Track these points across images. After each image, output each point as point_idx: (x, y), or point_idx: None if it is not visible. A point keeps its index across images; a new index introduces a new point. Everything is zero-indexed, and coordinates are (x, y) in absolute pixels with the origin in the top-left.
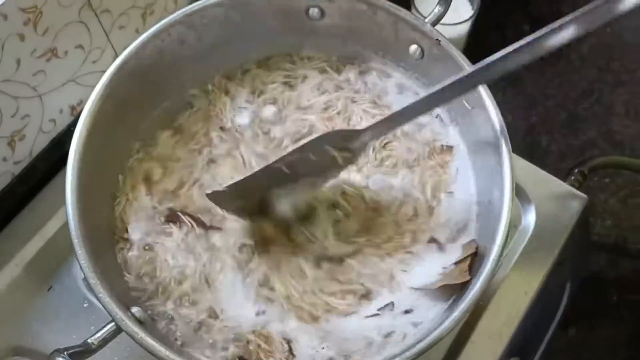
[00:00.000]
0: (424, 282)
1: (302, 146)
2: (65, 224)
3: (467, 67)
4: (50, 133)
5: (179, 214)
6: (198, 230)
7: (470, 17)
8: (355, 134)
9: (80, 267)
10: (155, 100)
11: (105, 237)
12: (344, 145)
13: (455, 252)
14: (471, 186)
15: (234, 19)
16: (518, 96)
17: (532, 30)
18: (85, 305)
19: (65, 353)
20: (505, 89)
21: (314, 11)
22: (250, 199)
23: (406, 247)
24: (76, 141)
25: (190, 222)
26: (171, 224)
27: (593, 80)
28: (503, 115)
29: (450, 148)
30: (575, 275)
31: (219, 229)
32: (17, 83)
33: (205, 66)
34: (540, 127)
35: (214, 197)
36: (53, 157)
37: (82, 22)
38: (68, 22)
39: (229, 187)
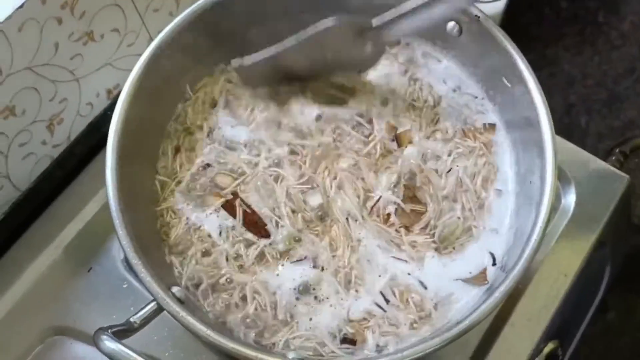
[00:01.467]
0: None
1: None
2: (104, 206)
3: (506, 42)
4: (88, 117)
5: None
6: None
7: None
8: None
9: (122, 247)
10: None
11: (146, 217)
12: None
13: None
14: (510, 177)
15: None
16: (556, 75)
17: (569, 7)
18: (124, 286)
19: (109, 331)
20: (543, 68)
21: None
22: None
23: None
24: (115, 123)
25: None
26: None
27: (634, 59)
28: None
29: (492, 126)
30: (615, 259)
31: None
32: (55, 67)
33: (240, 45)
34: (578, 107)
35: (241, 70)
36: (91, 140)
37: (117, 5)
38: (104, 6)
39: (256, 61)
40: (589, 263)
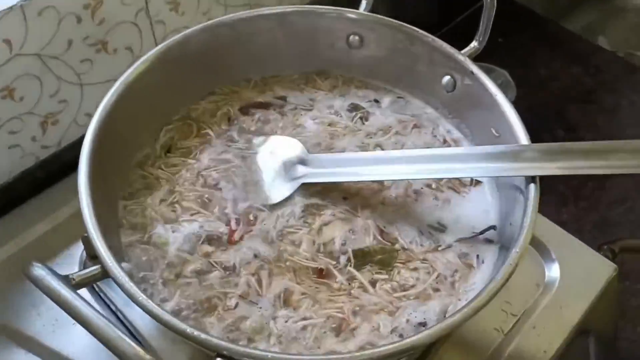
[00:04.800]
0: None
1: None
2: (75, 214)
3: (499, 95)
4: (83, 127)
5: None
6: None
7: None
8: None
9: (82, 215)
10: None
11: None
12: None
13: None
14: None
15: (277, 36)
16: (550, 195)
17: (565, 137)
18: None
19: (45, 266)
20: None
21: (355, 39)
22: None
23: None
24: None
25: None
26: None
27: (627, 190)
28: None
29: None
30: None
31: None
32: (64, 64)
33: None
34: (570, 225)
35: None
36: (80, 152)
37: (135, 25)
38: (123, 21)
39: None
40: (571, 348)
